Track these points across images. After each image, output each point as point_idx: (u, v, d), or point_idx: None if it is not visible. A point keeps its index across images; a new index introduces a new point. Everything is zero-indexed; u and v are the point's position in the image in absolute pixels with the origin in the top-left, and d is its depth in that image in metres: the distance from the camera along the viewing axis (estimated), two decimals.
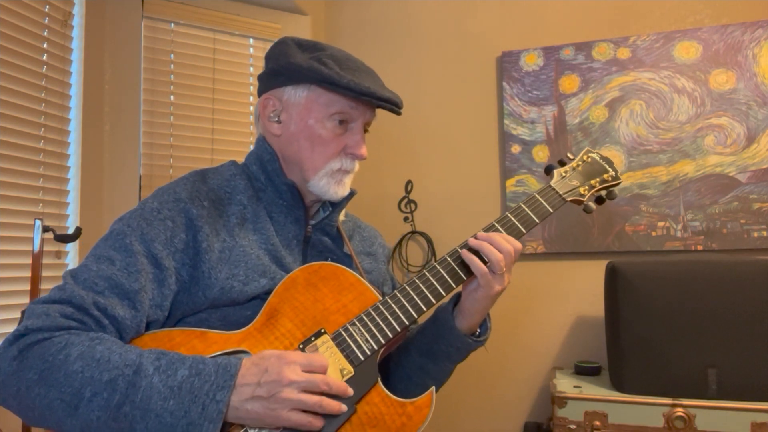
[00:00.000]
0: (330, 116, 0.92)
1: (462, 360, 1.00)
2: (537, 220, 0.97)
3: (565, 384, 1.70)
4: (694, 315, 1.52)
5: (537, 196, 1.00)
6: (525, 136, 2.10)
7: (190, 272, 0.85)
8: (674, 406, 1.50)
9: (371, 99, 0.90)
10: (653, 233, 1.95)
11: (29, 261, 1.42)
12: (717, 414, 1.46)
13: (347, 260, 1.01)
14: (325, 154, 0.93)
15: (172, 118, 1.99)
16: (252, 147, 1.02)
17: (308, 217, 0.99)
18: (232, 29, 2.11)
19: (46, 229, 1.39)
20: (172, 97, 1.99)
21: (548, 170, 1.07)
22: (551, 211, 0.99)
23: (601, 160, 1.09)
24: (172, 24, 2.01)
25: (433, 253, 2.20)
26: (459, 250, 0.93)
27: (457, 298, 0.98)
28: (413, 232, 2.23)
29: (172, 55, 2.00)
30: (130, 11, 1.90)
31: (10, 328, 1.48)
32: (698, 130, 1.92)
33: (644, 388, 1.55)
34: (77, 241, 1.59)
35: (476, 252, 0.91)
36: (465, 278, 0.92)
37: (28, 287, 1.38)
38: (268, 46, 0.96)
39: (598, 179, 1.06)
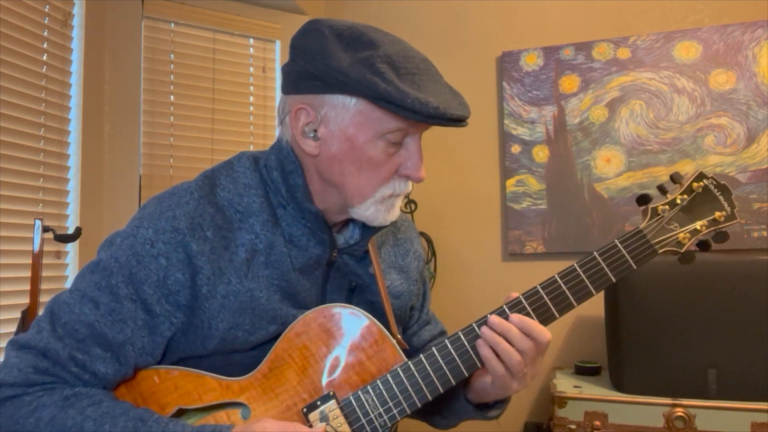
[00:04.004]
0: (383, 135, 0.74)
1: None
2: (614, 279, 0.77)
3: (565, 384, 1.69)
4: (694, 315, 1.52)
5: (620, 245, 0.78)
6: (525, 136, 2.09)
7: (186, 315, 0.74)
8: (674, 406, 1.50)
9: (440, 122, 0.71)
10: None
11: (29, 261, 1.42)
12: (717, 414, 1.46)
13: (373, 285, 0.86)
14: (375, 180, 0.76)
15: (172, 118, 1.99)
16: (265, 147, 0.91)
17: (333, 237, 0.83)
18: (232, 29, 2.11)
19: (46, 229, 1.39)
20: (172, 97, 1.99)
21: (642, 201, 0.81)
22: (635, 268, 0.77)
23: (715, 190, 0.82)
24: (172, 24, 2.01)
25: (433, 253, 2.20)
26: (478, 334, 0.77)
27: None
28: None
29: (172, 55, 2.00)
30: (130, 11, 1.90)
31: (11, 328, 1.48)
32: (698, 130, 1.92)
33: (644, 388, 1.54)
34: (77, 241, 1.59)
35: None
36: None
37: (28, 287, 1.38)
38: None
39: (706, 221, 0.81)
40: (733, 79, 1.90)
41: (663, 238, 0.79)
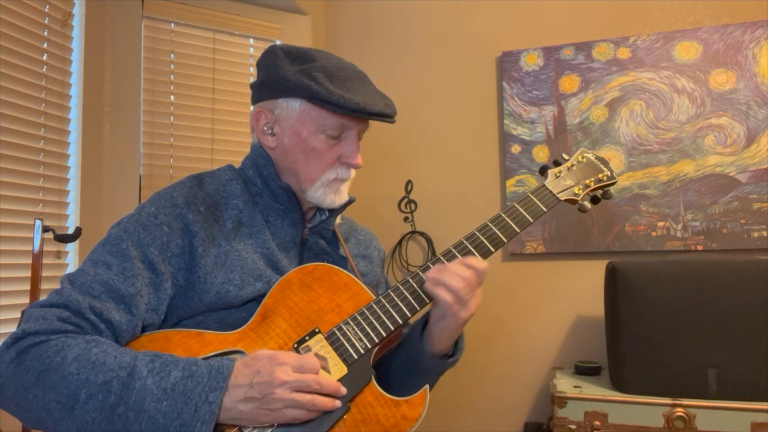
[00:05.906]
0: (323, 129, 0.92)
1: (438, 377, 0.99)
2: (531, 220, 0.97)
3: (565, 384, 1.70)
4: (694, 315, 1.52)
5: (531, 195, 1.00)
6: (525, 136, 2.10)
7: (186, 276, 0.86)
8: (674, 406, 1.50)
9: (361, 115, 0.90)
10: (653, 233, 1.95)
11: (29, 261, 1.42)
12: (717, 414, 1.46)
13: (343, 262, 1.02)
14: (320, 166, 0.94)
15: (172, 118, 1.99)
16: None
17: (305, 220, 1.00)
18: (232, 29, 2.11)
19: (46, 229, 1.39)
20: (172, 97, 1.99)
21: (543, 170, 1.08)
22: (545, 210, 0.99)
23: (596, 160, 1.09)
24: (172, 24, 2.01)
25: (433, 253, 2.20)
26: (426, 275, 0.91)
27: (426, 320, 0.96)
28: (413, 232, 2.23)
29: (172, 55, 2.00)
30: (130, 11, 1.90)
31: (11, 328, 1.48)
32: (698, 130, 1.92)
33: (644, 388, 1.54)
34: (77, 241, 1.59)
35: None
36: None
37: (28, 287, 1.38)
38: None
39: (592, 179, 1.06)
40: (733, 79, 1.90)
41: (562, 189, 1.02)
